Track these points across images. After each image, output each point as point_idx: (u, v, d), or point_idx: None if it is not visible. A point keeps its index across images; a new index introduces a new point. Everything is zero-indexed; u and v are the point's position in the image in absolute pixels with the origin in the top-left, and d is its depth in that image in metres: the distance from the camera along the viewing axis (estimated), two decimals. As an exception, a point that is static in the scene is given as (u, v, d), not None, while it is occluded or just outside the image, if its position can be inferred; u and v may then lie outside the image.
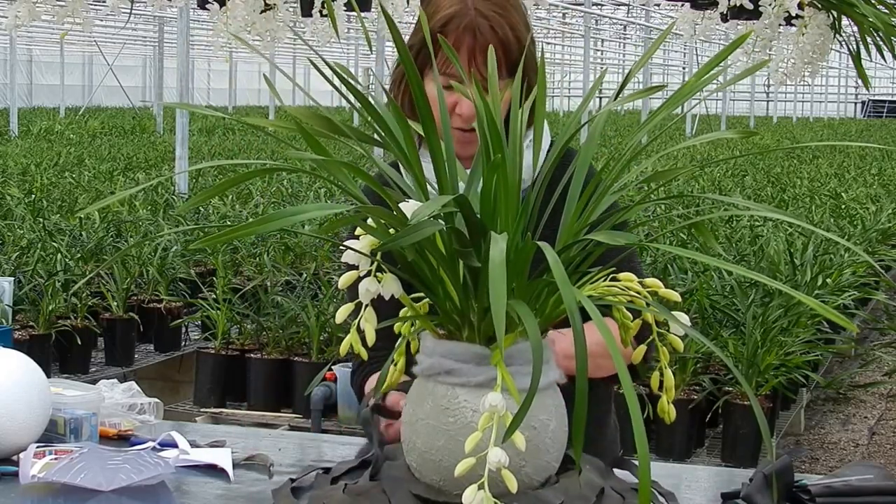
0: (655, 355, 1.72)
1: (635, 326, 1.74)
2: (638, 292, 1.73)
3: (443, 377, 1.62)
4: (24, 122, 22.15)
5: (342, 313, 1.65)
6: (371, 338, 1.64)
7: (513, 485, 1.48)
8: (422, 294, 1.69)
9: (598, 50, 31.33)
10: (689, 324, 1.74)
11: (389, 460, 1.75)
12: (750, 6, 3.52)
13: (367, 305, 1.64)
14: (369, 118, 1.65)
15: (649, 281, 1.73)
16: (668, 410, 1.76)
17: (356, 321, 1.65)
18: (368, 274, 1.63)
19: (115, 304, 5.71)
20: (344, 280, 1.68)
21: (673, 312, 1.73)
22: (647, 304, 1.72)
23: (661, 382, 1.76)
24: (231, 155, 16.00)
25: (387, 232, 1.60)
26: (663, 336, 1.74)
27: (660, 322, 1.74)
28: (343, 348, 1.67)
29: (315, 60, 1.72)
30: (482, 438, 1.48)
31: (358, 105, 1.64)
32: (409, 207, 1.60)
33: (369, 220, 1.61)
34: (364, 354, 1.68)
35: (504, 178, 1.58)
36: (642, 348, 1.76)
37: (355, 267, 1.64)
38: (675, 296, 1.74)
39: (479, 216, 1.58)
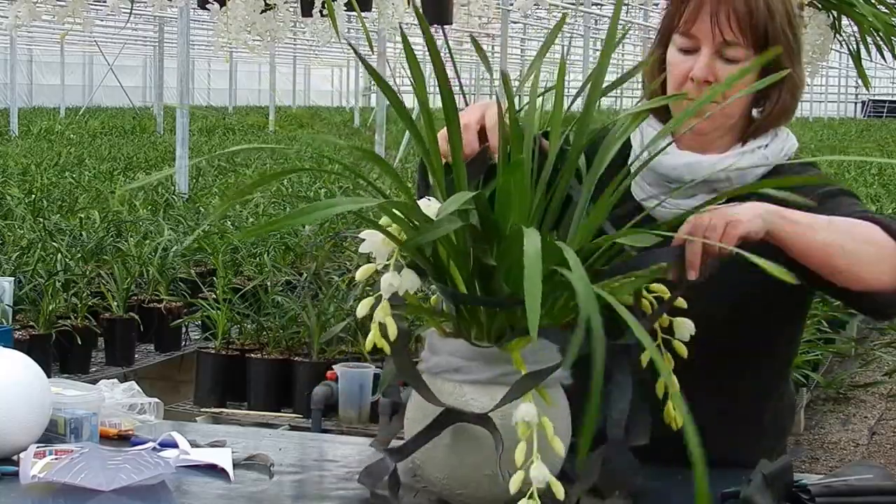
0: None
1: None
2: (644, 297, 1.74)
3: (450, 375, 1.63)
4: (24, 122, 22.13)
5: (363, 308, 1.64)
6: (393, 333, 1.62)
7: (560, 492, 1.49)
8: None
9: (597, 50, 31.32)
10: (694, 331, 1.74)
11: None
12: (750, 6, 3.51)
13: (385, 300, 1.63)
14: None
15: (655, 286, 1.73)
16: (674, 416, 1.76)
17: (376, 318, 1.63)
18: (386, 268, 1.63)
19: (116, 304, 5.71)
20: (361, 273, 1.67)
21: (677, 319, 1.73)
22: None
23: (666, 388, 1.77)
24: (232, 154, 15.99)
25: (408, 228, 1.60)
26: (668, 342, 1.74)
27: (664, 328, 1.75)
28: (368, 345, 1.66)
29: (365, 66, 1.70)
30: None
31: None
32: (425, 205, 1.61)
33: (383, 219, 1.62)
34: (387, 349, 1.65)
35: (521, 177, 1.58)
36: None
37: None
38: (680, 301, 1.74)
39: (493, 215, 1.58)
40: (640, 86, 2.09)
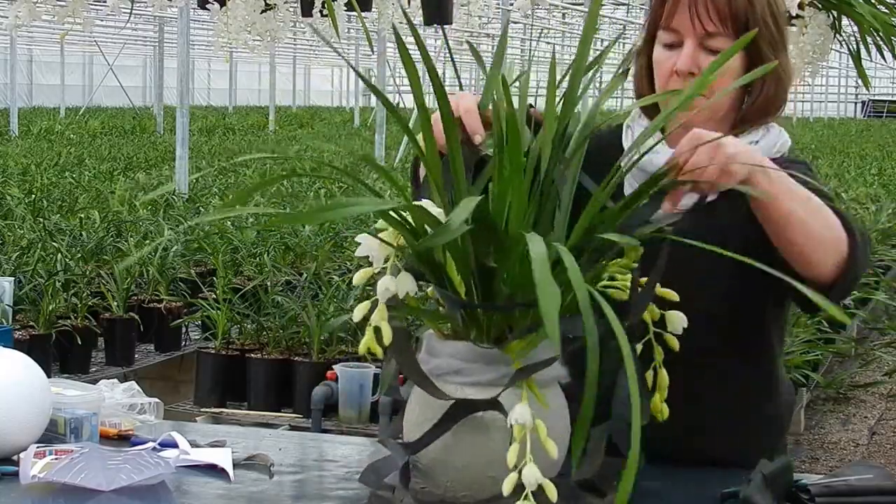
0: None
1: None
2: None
3: (451, 377, 1.62)
4: (24, 122, 22.14)
5: (359, 311, 1.63)
6: (388, 337, 1.61)
7: (553, 494, 1.50)
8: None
9: (597, 50, 31.23)
10: (686, 324, 1.74)
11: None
12: (750, 6, 3.51)
13: (383, 304, 1.62)
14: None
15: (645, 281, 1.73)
16: (661, 409, 1.77)
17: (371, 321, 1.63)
18: (383, 272, 1.62)
19: (116, 303, 5.70)
20: (359, 277, 1.66)
21: (668, 312, 1.73)
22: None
23: (655, 381, 1.77)
24: (231, 154, 16.01)
25: (405, 232, 1.60)
26: (659, 335, 1.75)
27: (655, 321, 1.75)
28: (362, 348, 1.65)
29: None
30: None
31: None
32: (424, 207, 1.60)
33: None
34: (380, 353, 1.65)
35: (519, 181, 1.58)
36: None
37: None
38: (672, 295, 1.74)
39: (495, 220, 1.58)
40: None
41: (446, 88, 1.66)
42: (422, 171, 1.85)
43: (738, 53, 1.88)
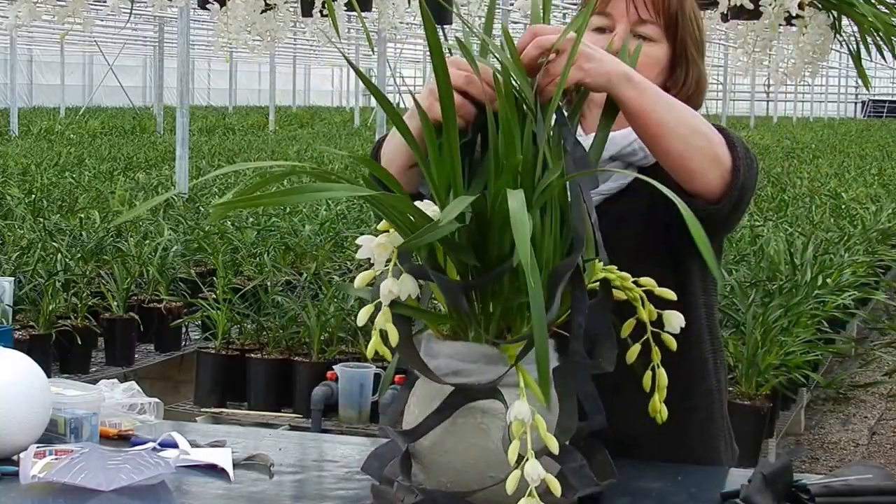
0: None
1: (628, 326, 1.75)
2: (631, 289, 1.73)
3: (450, 378, 1.62)
4: (24, 122, 22.14)
5: (363, 315, 1.63)
6: (394, 339, 1.61)
7: (557, 489, 1.50)
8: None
9: (598, 50, 31.16)
10: (683, 324, 1.74)
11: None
12: (750, 6, 3.52)
13: (386, 307, 1.62)
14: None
15: (644, 280, 1.73)
16: (659, 409, 1.77)
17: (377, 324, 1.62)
18: (385, 273, 1.62)
19: (116, 303, 5.71)
20: (360, 280, 1.66)
21: (667, 312, 1.73)
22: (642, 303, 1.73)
23: (654, 381, 1.77)
24: (231, 154, 16.01)
25: (402, 230, 1.60)
26: (657, 335, 1.74)
27: (654, 321, 1.74)
28: (369, 351, 1.65)
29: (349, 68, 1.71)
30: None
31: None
32: (422, 206, 1.60)
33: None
34: (388, 355, 1.65)
35: (514, 181, 1.58)
36: (637, 347, 1.76)
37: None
38: (670, 294, 1.74)
39: (492, 218, 1.58)
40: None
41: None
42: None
43: (664, 45, 1.98)
